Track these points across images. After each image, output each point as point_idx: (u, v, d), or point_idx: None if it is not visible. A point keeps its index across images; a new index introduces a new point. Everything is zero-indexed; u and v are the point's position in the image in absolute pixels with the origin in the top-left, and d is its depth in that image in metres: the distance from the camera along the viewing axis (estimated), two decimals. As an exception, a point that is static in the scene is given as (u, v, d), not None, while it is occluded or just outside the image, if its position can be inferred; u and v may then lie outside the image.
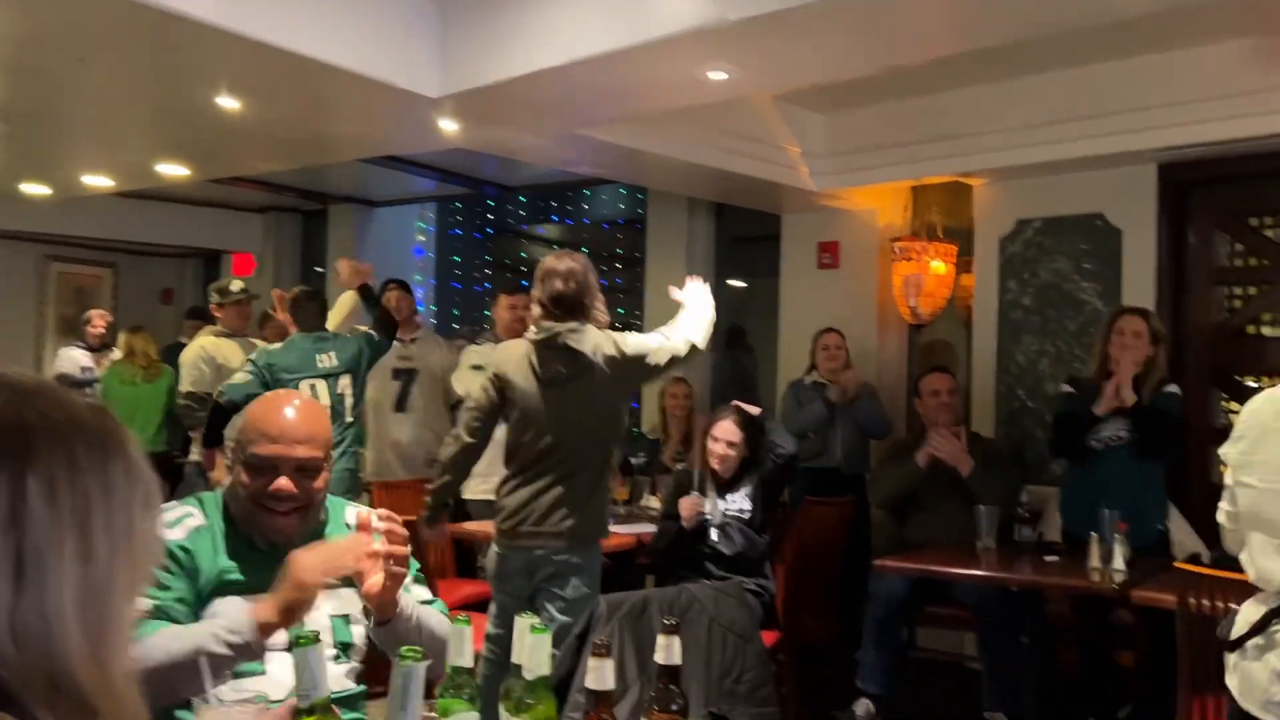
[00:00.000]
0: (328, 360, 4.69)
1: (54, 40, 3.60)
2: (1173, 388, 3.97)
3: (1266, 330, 4.63)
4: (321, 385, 4.59)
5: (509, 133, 4.49)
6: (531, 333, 3.24)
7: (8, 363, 1.14)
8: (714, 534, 3.91)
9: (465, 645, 1.53)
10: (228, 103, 4.11)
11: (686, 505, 3.88)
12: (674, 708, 1.54)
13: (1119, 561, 3.34)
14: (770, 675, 2.44)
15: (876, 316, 5.61)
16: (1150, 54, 4.26)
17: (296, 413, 1.92)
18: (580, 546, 3.16)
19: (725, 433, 3.99)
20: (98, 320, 7.10)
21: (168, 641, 1.65)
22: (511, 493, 3.20)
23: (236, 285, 5.66)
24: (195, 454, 5.07)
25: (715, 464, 3.98)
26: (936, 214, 5.43)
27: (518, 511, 3.16)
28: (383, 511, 1.81)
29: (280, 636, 1.69)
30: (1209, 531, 4.16)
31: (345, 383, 4.70)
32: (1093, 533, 3.50)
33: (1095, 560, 3.39)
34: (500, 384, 3.24)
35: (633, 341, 3.23)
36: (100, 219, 7.64)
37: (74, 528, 0.70)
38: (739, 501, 3.97)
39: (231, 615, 1.70)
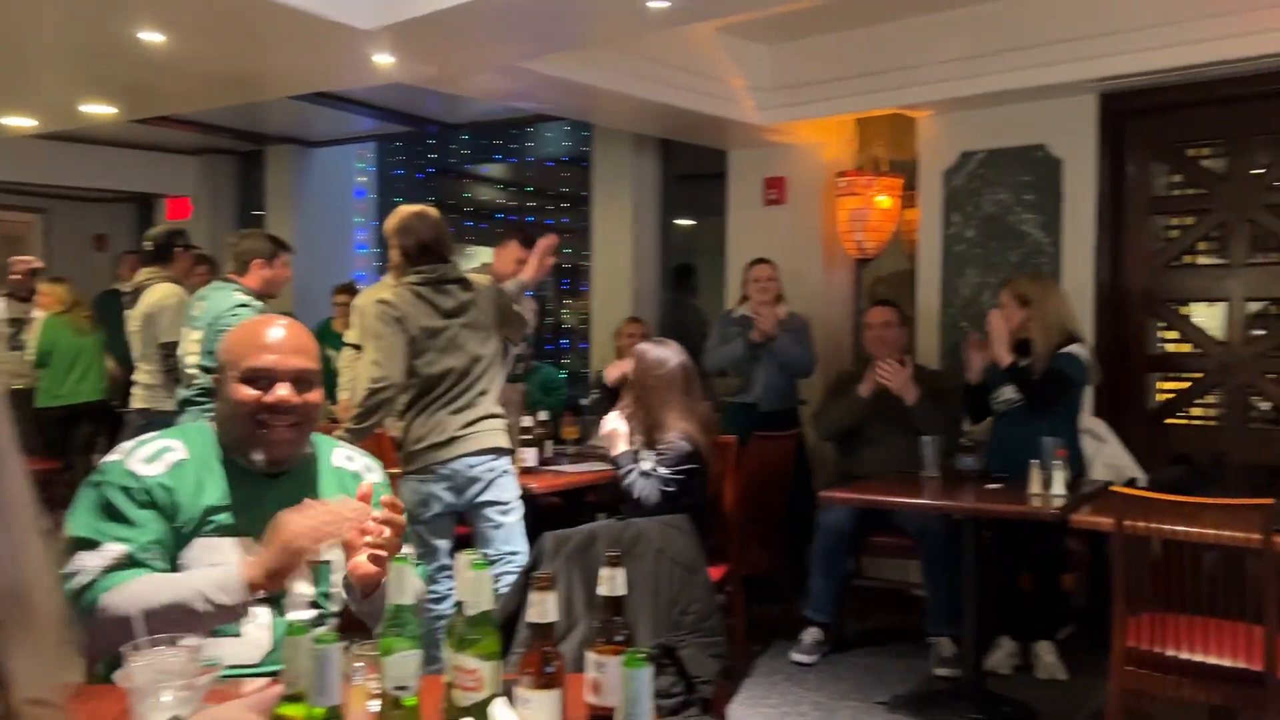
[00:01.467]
0: None
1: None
2: (1074, 348, 4.05)
3: (1202, 260, 4.71)
4: None
5: (448, 66, 4.38)
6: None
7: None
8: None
9: (406, 583, 1.51)
10: (151, 37, 3.95)
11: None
12: (618, 639, 1.54)
13: (1059, 487, 3.41)
14: (717, 607, 2.46)
15: (823, 251, 5.62)
16: (1090, -18, 4.26)
17: (285, 328, 1.88)
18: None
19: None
20: (18, 266, 6.87)
21: (149, 591, 1.60)
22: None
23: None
24: (138, 402, 4.93)
25: None
26: (881, 147, 5.43)
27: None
28: (389, 498, 1.74)
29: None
30: (1145, 456, 4.29)
31: None
32: (1033, 460, 3.56)
33: (1036, 486, 3.46)
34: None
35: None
36: (27, 163, 7.37)
37: None
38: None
39: (218, 573, 1.65)
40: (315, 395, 1.86)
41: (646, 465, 3.51)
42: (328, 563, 1.86)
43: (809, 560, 4.37)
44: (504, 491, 3.47)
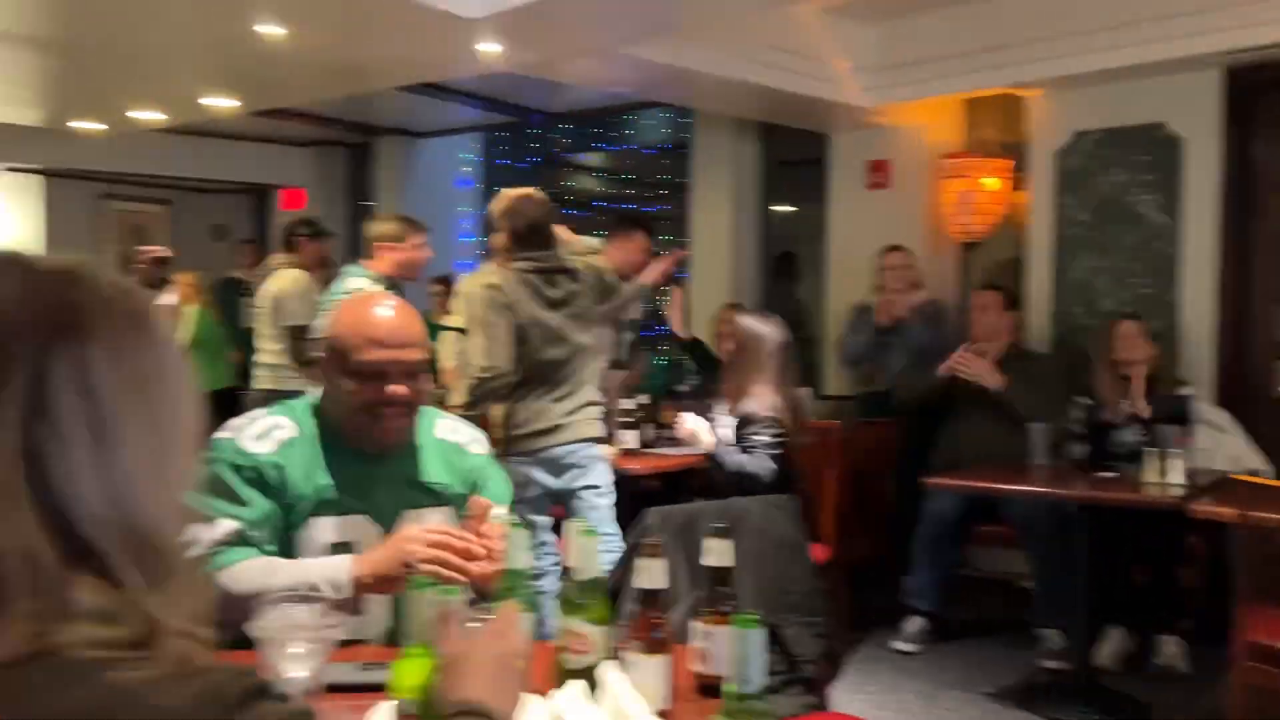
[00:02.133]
0: None
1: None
2: (1188, 389, 4.07)
3: (1336, 242, 4.48)
4: None
5: (551, 53, 4.44)
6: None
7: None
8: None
9: (518, 547, 1.55)
10: (270, 30, 4.10)
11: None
12: (725, 609, 1.55)
13: (1176, 476, 3.29)
14: (819, 587, 2.45)
15: (928, 236, 5.51)
16: (1214, -48, 4.07)
17: (395, 314, 1.83)
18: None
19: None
20: (145, 256, 7.19)
21: (262, 573, 1.63)
22: None
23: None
24: (262, 384, 5.12)
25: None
26: (990, 128, 5.29)
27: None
28: (500, 528, 1.70)
29: None
30: (1268, 446, 4.11)
31: None
32: (1149, 449, 3.45)
33: (1153, 475, 3.35)
34: None
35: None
36: (154, 156, 7.72)
37: (138, 394, 0.74)
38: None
39: (331, 566, 1.68)
40: (425, 381, 1.86)
41: (737, 443, 3.47)
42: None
43: (914, 548, 4.31)
44: (600, 476, 3.53)
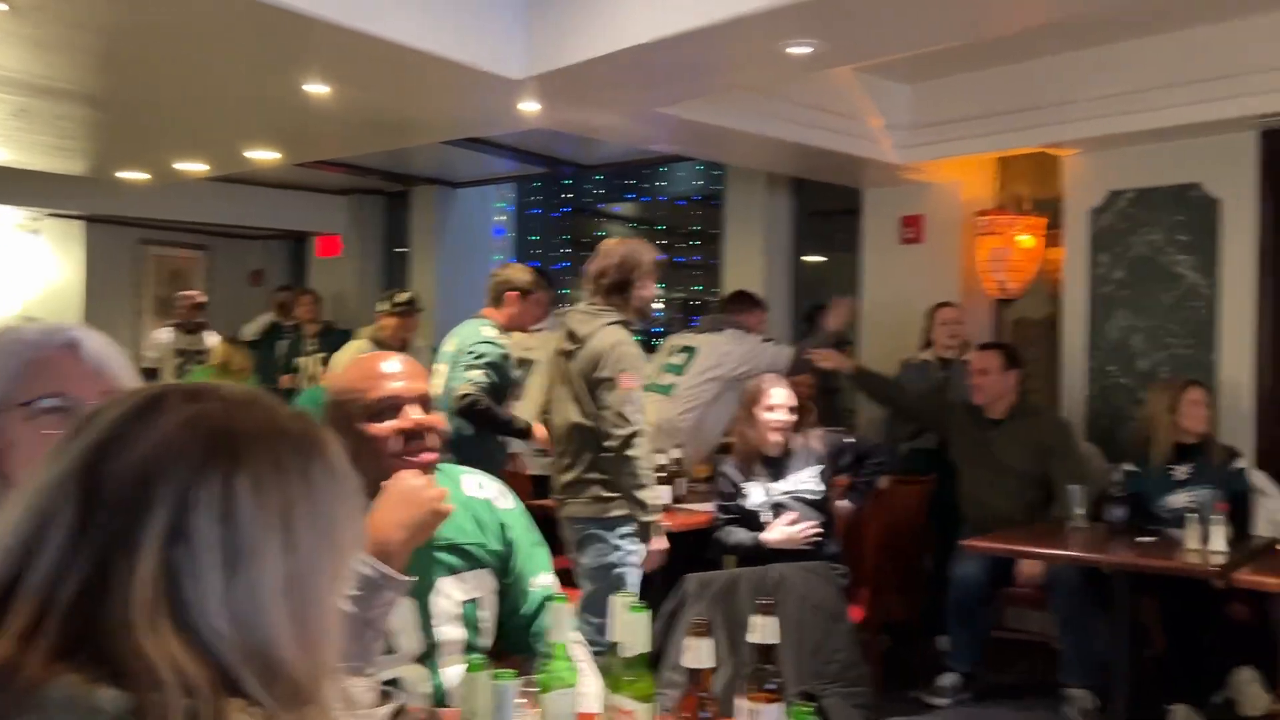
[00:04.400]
0: None
1: (153, 31, 3.72)
2: (1241, 462, 4.03)
3: (1376, 303, 4.44)
4: None
5: (589, 113, 4.51)
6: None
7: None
8: (762, 516, 3.70)
9: (563, 621, 1.56)
10: (317, 89, 4.20)
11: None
12: (770, 686, 1.55)
13: (1219, 542, 3.25)
14: (860, 655, 2.44)
15: (961, 291, 5.51)
16: (1248, 15, 4.08)
17: (391, 357, 1.84)
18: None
19: (783, 398, 3.73)
20: (184, 299, 7.32)
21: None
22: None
23: (403, 295, 5.55)
24: None
25: (773, 437, 3.73)
26: (1023, 185, 5.31)
27: None
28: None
29: None
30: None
31: None
32: (1194, 514, 3.41)
33: (1194, 541, 3.31)
34: None
35: (620, 385, 3.24)
36: (193, 203, 7.86)
37: (279, 521, 0.76)
38: (807, 481, 3.76)
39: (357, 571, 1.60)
40: (441, 421, 1.84)
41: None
42: (475, 600, 1.85)
43: (948, 610, 4.27)
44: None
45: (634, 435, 3.21)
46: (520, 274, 4.35)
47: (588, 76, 3.82)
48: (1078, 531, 3.71)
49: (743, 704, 1.55)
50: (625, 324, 3.35)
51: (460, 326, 4.37)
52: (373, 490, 1.71)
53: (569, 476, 3.38)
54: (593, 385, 3.28)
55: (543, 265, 8.39)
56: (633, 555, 3.31)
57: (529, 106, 4.29)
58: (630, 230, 9.10)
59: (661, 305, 7.57)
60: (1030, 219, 5.19)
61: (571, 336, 3.39)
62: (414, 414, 1.76)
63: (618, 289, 3.35)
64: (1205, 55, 4.25)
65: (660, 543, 3.35)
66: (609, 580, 3.22)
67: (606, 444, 3.24)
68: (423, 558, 1.79)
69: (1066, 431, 4.47)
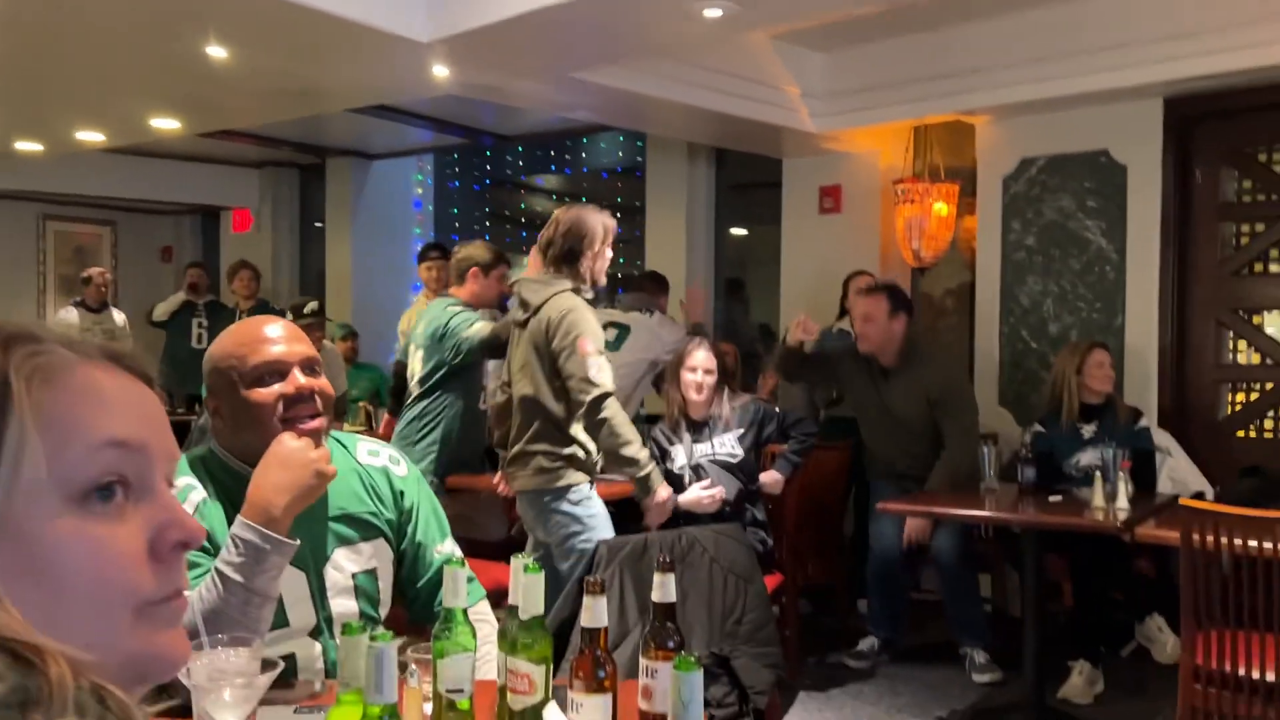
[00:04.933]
0: None
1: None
2: (1145, 422, 4.14)
3: (1275, 267, 4.58)
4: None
5: (502, 78, 4.43)
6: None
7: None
8: (688, 478, 3.71)
9: (459, 586, 1.51)
10: (216, 52, 4.05)
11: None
12: (670, 645, 1.53)
13: (1123, 500, 3.33)
14: (772, 616, 2.44)
15: (880, 261, 5.56)
16: (1156, -16, 4.17)
17: (273, 321, 1.76)
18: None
19: (702, 361, 3.74)
20: (97, 278, 7.07)
21: (193, 604, 1.52)
22: None
23: (311, 305, 5.37)
24: None
25: (694, 396, 3.74)
26: (939, 154, 5.37)
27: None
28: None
29: None
30: (1214, 469, 4.18)
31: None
32: (1097, 471, 3.49)
33: (1099, 499, 3.38)
34: None
35: (580, 351, 3.16)
36: (97, 176, 7.59)
37: None
38: (727, 445, 3.76)
39: (241, 536, 1.56)
40: (327, 383, 1.76)
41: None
42: (372, 571, 1.80)
43: (867, 575, 4.33)
44: None
45: (603, 397, 3.14)
46: (480, 251, 4.30)
47: (497, 39, 3.74)
48: (990, 492, 3.77)
49: (643, 662, 1.53)
50: (576, 291, 3.27)
51: (427, 310, 4.35)
52: (259, 458, 1.65)
53: (514, 450, 3.31)
54: (550, 356, 3.21)
55: (461, 239, 8.29)
56: (594, 519, 3.26)
57: (439, 71, 4.19)
58: (553, 202, 9.01)
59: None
60: (945, 187, 5.24)
61: (524, 305, 3.32)
62: (300, 377, 1.70)
63: (567, 259, 3.28)
64: (1112, 24, 4.33)
65: (661, 493, 3.33)
66: (578, 552, 3.13)
67: (580, 412, 3.18)
68: (315, 529, 1.73)
69: (954, 383, 4.34)
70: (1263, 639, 2.63)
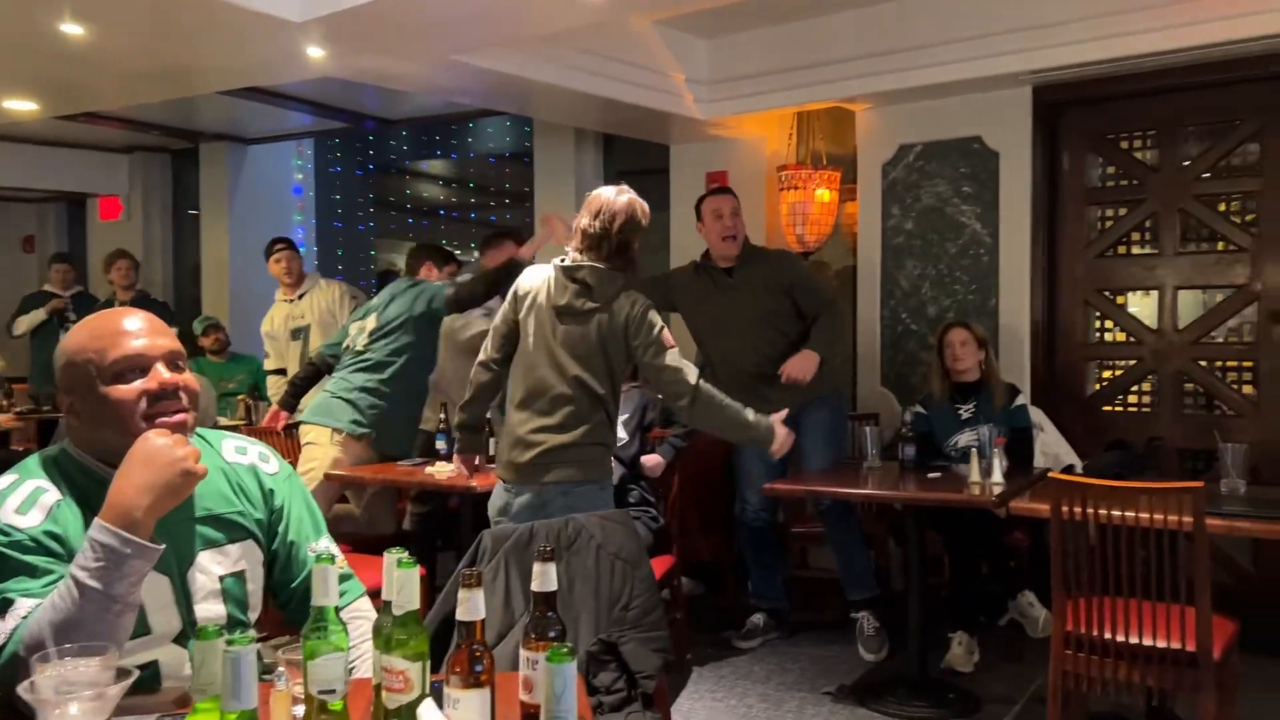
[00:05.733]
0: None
1: None
2: (1023, 400, 4.24)
3: (1136, 249, 4.79)
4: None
5: (381, 60, 4.31)
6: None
7: None
8: None
9: (329, 584, 1.46)
10: (72, 29, 3.83)
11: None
12: (551, 634, 1.51)
13: (997, 475, 3.44)
14: (660, 601, 2.44)
15: (765, 245, 5.62)
16: (1024, -24, 4.31)
17: (132, 313, 1.68)
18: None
19: None
20: None
21: (44, 612, 1.45)
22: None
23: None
24: None
25: None
26: (821, 141, 5.45)
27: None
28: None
29: None
30: (1084, 443, 4.36)
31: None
32: (974, 448, 3.60)
33: (976, 475, 3.49)
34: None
35: (666, 345, 3.04)
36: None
37: None
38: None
39: (98, 540, 1.47)
40: (192, 379, 1.70)
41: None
42: (240, 574, 1.74)
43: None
44: None
45: (699, 384, 3.02)
46: (431, 251, 4.76)
47: (372, 19, 3.64)
48: (871, 471, 3.87)
49: (523, 653, 1.51)
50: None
51: (394, 287, 4.47)
52: (119, 458, 1.56)
53: (555, 440, 3.05)
54: (623, 352, 3.07)
55: (345, 226, 8.09)
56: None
57: (314, 52, 4.06)
58: (439, 188, 8.87)
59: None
60: (828, 173, 5.34)
61: (588, 291, 3.08)
62: (163, 372, 1.63)
63: (621, 250, 3.13)
64: (982, 13, 4.46)
65: (783, 429, 3.12)
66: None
67: (679, 402, 3.03)
68: (180, 530, 1.66)
69: (802, 266, 4.47)
70: (1127, 604, 2.75)
